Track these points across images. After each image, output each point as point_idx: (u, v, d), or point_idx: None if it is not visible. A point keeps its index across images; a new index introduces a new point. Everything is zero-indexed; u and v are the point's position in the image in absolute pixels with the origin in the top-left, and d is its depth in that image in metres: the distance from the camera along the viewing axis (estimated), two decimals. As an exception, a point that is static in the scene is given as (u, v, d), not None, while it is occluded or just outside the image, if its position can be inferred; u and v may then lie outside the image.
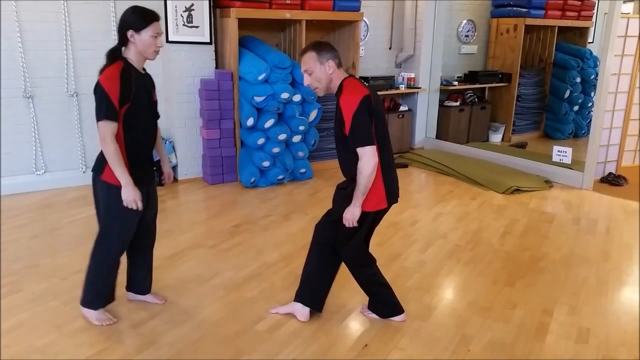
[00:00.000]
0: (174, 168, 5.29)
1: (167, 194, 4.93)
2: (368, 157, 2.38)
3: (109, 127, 2.38)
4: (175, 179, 5.32)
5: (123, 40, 2.46)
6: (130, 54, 2.47)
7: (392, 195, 2.58)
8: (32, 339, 2.57)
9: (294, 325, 2.74)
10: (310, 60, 2.46)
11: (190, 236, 3.92)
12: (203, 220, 4.34)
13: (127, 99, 2.40)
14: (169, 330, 2.68)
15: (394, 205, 2.61)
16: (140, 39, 2.43)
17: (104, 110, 2.37)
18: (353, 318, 2.83)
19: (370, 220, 2.58)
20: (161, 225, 4.07)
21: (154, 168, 2.80)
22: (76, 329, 2.66)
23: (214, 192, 5.02)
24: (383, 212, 2.60)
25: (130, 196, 2.45)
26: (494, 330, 2.73)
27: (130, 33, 2.42)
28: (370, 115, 2.41)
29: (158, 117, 2.71)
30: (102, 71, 2.42)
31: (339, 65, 2.51)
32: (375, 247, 3.70)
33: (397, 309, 2.81)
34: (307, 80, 2.52)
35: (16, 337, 2.59)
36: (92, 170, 2.57)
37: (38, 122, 4.79)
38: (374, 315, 2.83)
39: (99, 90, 2.37)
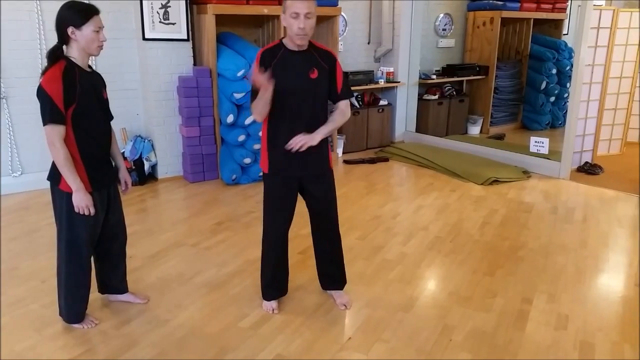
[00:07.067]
0: (154, 167, 5.25)
1: (147, 193, 4.89)
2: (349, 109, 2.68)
3: (56, 131, 2.30)
4: (155, 178, 5.28)
5: (64, 39, 2.37)
6: (73, 51, 2.38)
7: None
8: (12, 343, 2.54)
9: (277, 321, 2.75)
10: (314, 6, 2.47)
11: (171, 235, 3.90)
12: (184, 218, 4.31)
13: (72, 99, 2.31)
14: (152, 330, 2.67)
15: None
16: (82, 35, 2.34)
17: (48, 114, 2.27)
18: (336, 312, 2.85)
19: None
20: (142, 225, 4.08)
21: (115, 169, 2.72)
22: (57, 331, 2.64)
23: (195, 190, 4.99)
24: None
25: (82, 202, 2.38)
26: (475, 320, 2.77)
27: (70, 30, 2.33)
28: None
29: (111, 117, 2.61)
30: (43, 73, 2.33)
31: None
32: (357, 240, 3.75)
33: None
34: (306, 24, 2.43)
35: (-5, 342, 2.55)
36: (48, 179, 2.48)
37: (13, 124, 4.71)
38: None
39: (41, 93, 2.28)
